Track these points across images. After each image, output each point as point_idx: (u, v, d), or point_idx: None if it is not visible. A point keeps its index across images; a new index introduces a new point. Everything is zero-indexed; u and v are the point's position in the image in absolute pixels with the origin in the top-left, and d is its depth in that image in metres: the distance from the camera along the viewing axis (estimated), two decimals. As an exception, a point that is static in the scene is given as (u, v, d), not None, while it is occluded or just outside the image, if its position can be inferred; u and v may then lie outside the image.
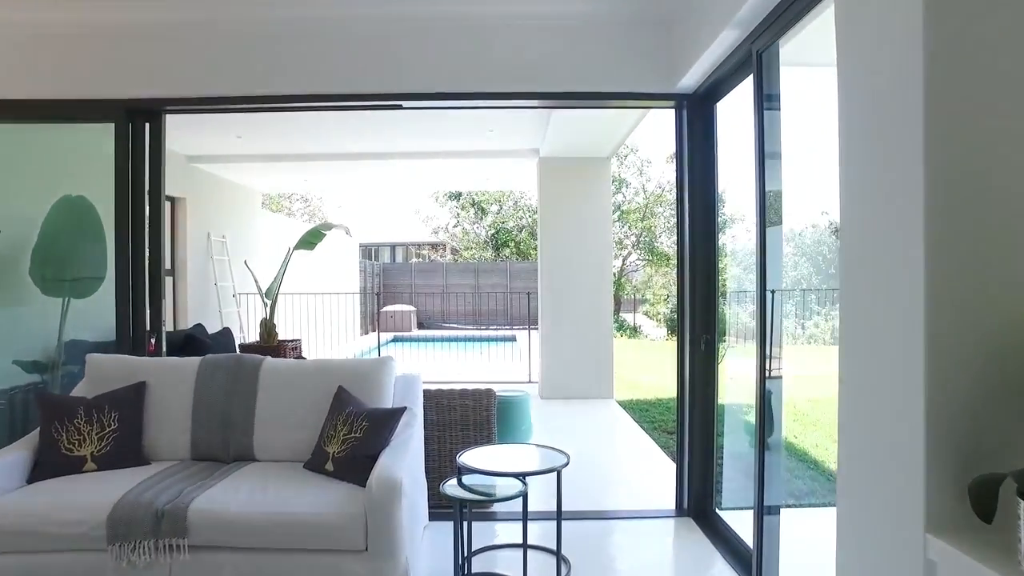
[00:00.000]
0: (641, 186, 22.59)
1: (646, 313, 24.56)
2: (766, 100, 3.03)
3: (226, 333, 7.78)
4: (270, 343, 8.43)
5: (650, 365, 11.83)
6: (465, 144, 7.52)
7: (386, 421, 2.99)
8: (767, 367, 3.00)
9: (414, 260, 27.60)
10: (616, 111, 5.65)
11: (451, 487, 2.90)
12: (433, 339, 15.72)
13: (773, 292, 3.06)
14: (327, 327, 12.13)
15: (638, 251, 23.23)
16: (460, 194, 24.27)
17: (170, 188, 8.32)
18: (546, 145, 7.34)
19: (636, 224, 22.39)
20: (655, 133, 36.32)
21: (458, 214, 24.90)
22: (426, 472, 3.75)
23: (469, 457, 3.04)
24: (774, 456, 3.16)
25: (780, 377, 3.07)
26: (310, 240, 8.67)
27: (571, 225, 7.93)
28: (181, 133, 7.02)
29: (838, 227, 1.81)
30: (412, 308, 19.74)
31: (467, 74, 3.76)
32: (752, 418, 6.58)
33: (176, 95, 3.79)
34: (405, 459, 2.82)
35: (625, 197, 22.60)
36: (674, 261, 22.53)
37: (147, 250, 3.84)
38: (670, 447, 5.98)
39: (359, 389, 3.26)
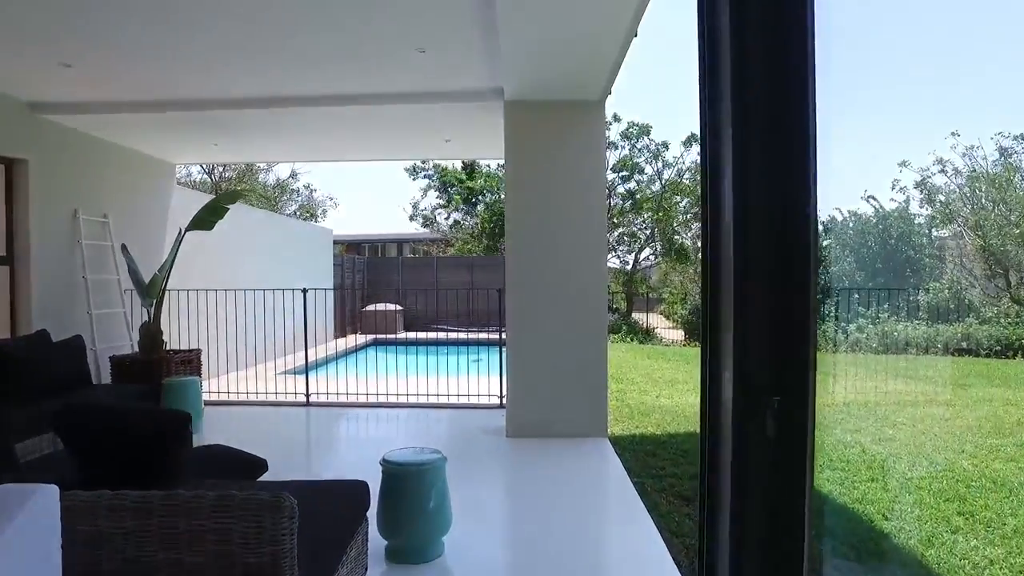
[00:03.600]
0: (656, 172, 20.27)
1: (663, 313, 22.27)
2: None
3: (75, 342, 5.69)
4: (153, 355, 6.35)
5: (663, 379, 9.57)
6: (399, 82, 5.36)
7: None
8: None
9: (403, 256, 25.58)
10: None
11: None
12: (418, 343, 13.63)
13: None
14: (285, 330, 10.00)
15: (653, 245, 20.90)
16: (461, 176, 22.07)
17: (2, 146, 5.76)
18: (511, 80, 5.15)
19: (653, 213, 20.04)
20: (668, 94, 33.76)
21: (447, 199, 22.66)
22: None
23: None
24: None
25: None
26: (208, 218, 6.59)
27: (550, 196, 5.72)
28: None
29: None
30: (398, 307, 17.65)
31: None
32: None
33: None
34: None
35: (639, 185, 20.32)
36: (696, 257, 20.54)
37: None
38: (686, 536, 3.75)
39: None
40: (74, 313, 6.40)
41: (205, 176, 21.62)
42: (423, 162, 22.37)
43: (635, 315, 20.55)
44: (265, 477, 4.30)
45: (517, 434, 5.71)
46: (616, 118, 19.68)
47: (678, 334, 18.44)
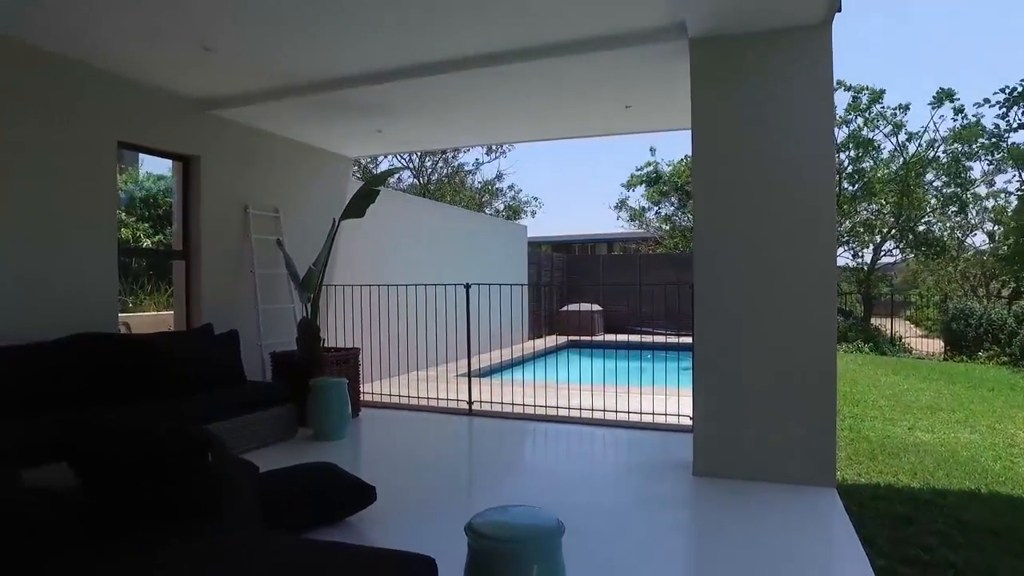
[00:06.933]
0: (898, 146, 16.87)
1: (909, 318, 18.61)
2: None
3: (229, 337, 5.54)
4: (310, 353, 6.07)
5: (918, 404, 7.39)
6: (555, 27, 4.35)
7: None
8: None
9: (606, 254, 24.56)
10: None
11: None
12: (618, 346, 12.52)
13: None
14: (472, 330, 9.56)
15: (898, 237, 17.48)
16: (656, 174, 20.53)
17: (175, 143, 5.63)
18: (694, 6, 3.88)
19: (895, 198, 16.70)
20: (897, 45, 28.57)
21: (659, 195, 21.13)
22: None
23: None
24: None
25: None
26: (360, 203, 6.23)
27: (754, 162, 4.31)
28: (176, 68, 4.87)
29: None
30: (597, 308, 16.63)
31: None
32: None
33: None
34: None
35: (876, 164, 17.07)
36: (958, 251, 16.82)
37: None
38: None
39: None
40: (243, 307, 6.36)
41: (414, 180, 22.60)
42: (638, 169, 20.98)
43: (873, 320, 17.34)
44: (373, 505, 3.55)
45: (707, 472, 4.38)
46: (843, 86, 16.52)
47: (933, 345, 15.08)
